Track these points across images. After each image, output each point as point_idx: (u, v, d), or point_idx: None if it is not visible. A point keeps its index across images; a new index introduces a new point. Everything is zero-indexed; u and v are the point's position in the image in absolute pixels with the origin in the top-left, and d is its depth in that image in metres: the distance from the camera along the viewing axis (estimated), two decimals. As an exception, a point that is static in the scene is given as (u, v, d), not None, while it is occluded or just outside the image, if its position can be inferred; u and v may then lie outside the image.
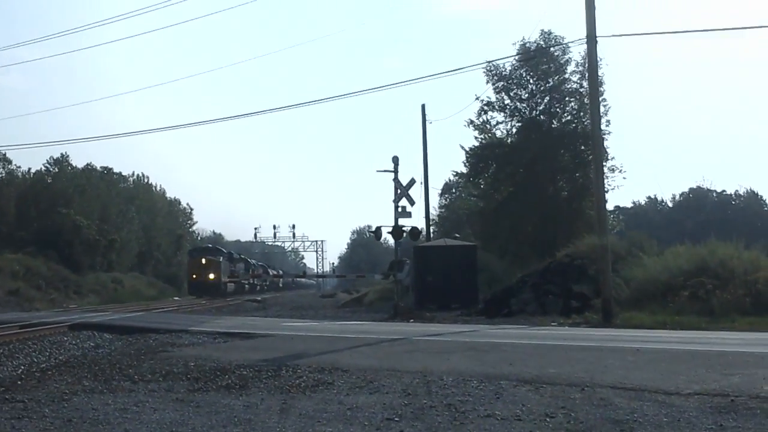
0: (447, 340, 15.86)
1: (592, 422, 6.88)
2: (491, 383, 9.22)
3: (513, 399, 8.16)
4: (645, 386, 8.74)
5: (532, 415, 7.23)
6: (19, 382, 10.52)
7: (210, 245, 77.94)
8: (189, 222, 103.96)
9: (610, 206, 44.82)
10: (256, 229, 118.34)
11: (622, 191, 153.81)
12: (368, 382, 9.56)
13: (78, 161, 68.43)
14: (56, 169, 65.89)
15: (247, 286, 78.89)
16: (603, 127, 35.50)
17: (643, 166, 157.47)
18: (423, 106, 42.32)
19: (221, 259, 66.24)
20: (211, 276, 62.40)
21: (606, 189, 25.00)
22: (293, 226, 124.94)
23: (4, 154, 60.54)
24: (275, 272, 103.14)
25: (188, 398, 8.68)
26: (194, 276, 62.84)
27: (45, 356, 14.46)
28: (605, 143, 38.17)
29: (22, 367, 12.69)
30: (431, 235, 44.32)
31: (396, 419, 7.18)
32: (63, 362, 13.39)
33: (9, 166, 61.49)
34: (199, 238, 75.84)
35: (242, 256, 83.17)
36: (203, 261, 63.43)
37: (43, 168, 66.28)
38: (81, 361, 13.40)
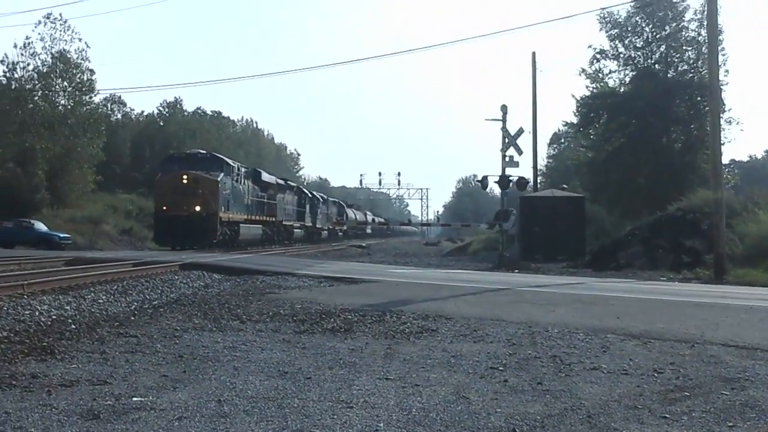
0: (552, 292, 15.71)
1: (702, 379, 6.69)
2: (597, 336, 9.08)
3: (620, 353, 8.00)
4: (758, 345, 8.47)
5: (640, 370, 7.07)
6: (132, 318, 10.87)
7: (201, 151, 43.15)
8: (296, 167, 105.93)
9: (725, 159, 43.48)
10: (361, 175, 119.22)
11: (738, 143, 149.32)
12: (472, 330, 9.53)
13: (189, 106, 70.11)
14: (168, 112, 67.64)
15: (299, 231, 54.52)
16: (721, 77, 34.28)
17: (761, 118, 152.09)
18: (533, 54, 41.66)
19: (221, 176, 37.23)
20: (197, 207, 35.67)
21: (722, 141, 24.16)
22: (399, 174, 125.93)
23: (119, 97, 62.45)
24: (360, 216, 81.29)
25: (294, 339, 8.82)
26: (164, 207, 36.51)
27: (157, 294, 14.93)
28: (722, 94, 36.93)
29: (135, 304, 13.14)
30: (538, 185, 43.83)
31: (500, 368, 7.11)
32: (174, 300, 13.82)
33: (124, 108, 63.41)
34: (305, 183, 74.90)
35: (290, 182, 55.81)
36: (184, 179, 35.95)
37: (156, 111, 68.22)
38: (191, 299, 13.80)
